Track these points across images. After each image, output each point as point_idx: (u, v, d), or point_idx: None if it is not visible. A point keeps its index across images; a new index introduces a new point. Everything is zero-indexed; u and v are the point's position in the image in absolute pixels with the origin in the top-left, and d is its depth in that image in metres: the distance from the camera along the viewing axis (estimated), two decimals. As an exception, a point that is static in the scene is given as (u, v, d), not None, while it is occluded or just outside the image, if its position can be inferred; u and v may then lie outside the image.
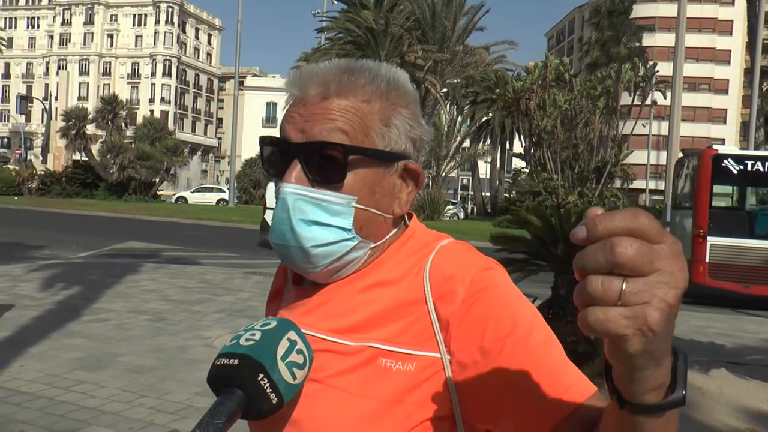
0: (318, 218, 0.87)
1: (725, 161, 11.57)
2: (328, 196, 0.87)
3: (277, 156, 0.92)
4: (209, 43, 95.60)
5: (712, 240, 11.16)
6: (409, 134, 0.92)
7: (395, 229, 0.95)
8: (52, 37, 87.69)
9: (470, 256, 0.91)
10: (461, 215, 41.75)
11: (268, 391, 0.78)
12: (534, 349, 0.82)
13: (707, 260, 11.13)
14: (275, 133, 0.96)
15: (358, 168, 0.88)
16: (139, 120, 53.28)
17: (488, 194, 52.56)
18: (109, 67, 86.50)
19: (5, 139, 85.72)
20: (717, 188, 11.84)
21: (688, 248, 11.55)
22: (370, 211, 0.90)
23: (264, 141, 0.94)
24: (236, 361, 0.78)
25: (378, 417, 0.84)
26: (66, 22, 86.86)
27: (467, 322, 0.84)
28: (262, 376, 0.77)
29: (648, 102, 35.13)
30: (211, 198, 43.21)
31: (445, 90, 37.52)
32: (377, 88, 0.90)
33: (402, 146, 0.91)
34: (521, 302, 0.86)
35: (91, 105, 61.89)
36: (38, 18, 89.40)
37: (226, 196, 42.35)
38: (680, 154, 13.66)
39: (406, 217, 0.98)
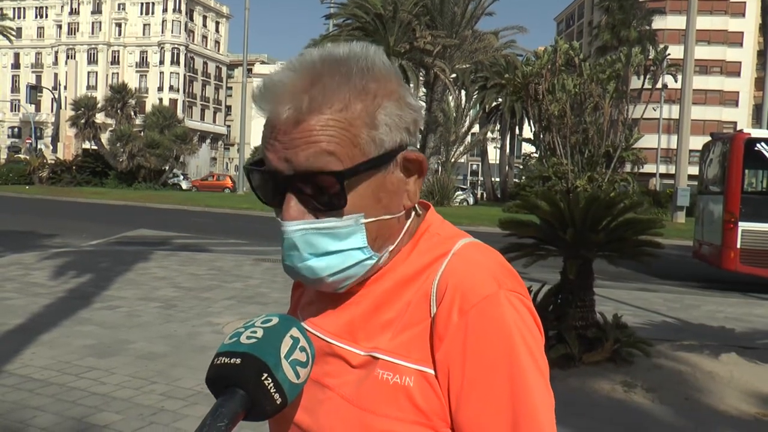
0: (329, 247, 0.82)
1: (758, 145, 11.36)
2: (334, 223, 0.81)
3: (267, 185, 0.85)
4: (217, 30, 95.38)
5: (743, 225, 10.98)
6: (400, 124, 0.84)
7: (409, 221, 0.90)
8: (60, 26, 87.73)
9: (485, 269, 0.83)
10: (470, 200, 41.43)
11: (272, 391, 0.75)
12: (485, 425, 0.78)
13: (738, 246, 10.97)
14: None
15: (357, 185, 0.81)
16: (148, 108, 53.40)
17: (498, 179, 52.42)
18: (118, 56, 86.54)
19: (16, 129, 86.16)
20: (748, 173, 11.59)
21: (717, 234, 11.42)
22: (381, 219, 0.84)
23: (249, 171, 0.86)
24: (238, 360, 0.75)
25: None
26: (74, 12, 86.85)
27: (446, 352, 0.80)
28: (266, 375, 0.74)
29: (659, 85, 34.81)
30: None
31: (454, 75, 37.31)
32: (353, 88, 0.80)
33: (396, 140, 0.83)
34: (513, 359, 0.78)
35: (100, 94, 62.03)
36: (46, 7, 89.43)
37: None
38: (707, 138, 13.42)
39: (417, 206, 0.91)
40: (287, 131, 0.80)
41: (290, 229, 0.81)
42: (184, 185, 45.30)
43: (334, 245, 0.82)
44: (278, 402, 0.75)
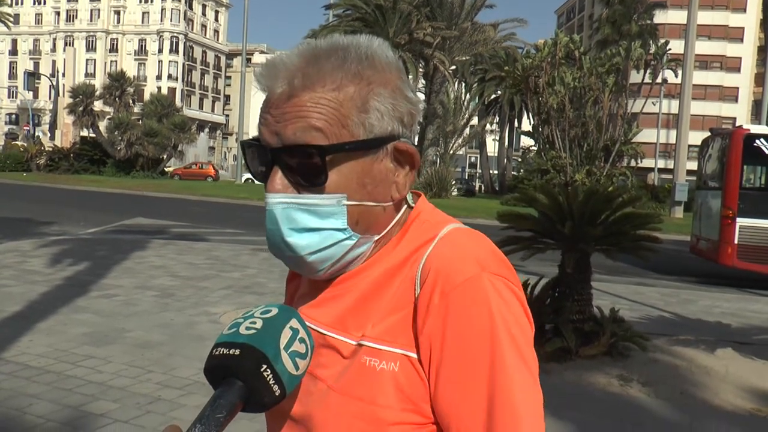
0: (309, 224, 0.83)
1: (757, 141, 11.37)
2: (315, 200, 0.82)
3: (257, 159, 0.87)
4: (216, 19, 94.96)
5: (741, 221, 11.02)
6: (394, 114, 0.84)
7: (399, 214, 0.90)
8: (58, 13, 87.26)
9: (468, 250, 0.83)
10: (454, 191, 39.40)
11: (270, 382, 0.74)
12: (460, 406, 0.78)
13: (736, 242, 11.00)
14: None
15: (341, 164, 0.82)
16: (147, 97, 53.20)
17: (496, 172, 52.39)
18: (116, 44, 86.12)
19: (13, 116, 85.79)
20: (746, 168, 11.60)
21: (715, 229, 11.43)
22: (364, 204, 0.84)
23: (244, 145, 0.88)
24: (237, 351, 0.74)
25: (366, 420, 0.80)
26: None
27: (427, 334, 0.80)
28: (265, 366, 0.74)
29: (658, 80, 34.79)
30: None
31: (453, 67, 37.25)
32: (347, 71, 0.82)
33: (387, 128, 0.84)
34: (492, 341, 0.78)
35: (98, 82, 61.65)
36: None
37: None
38: (707, 133, 13.42)
39: (410, 198, 0.91)
40: (279, 105, 0.82)
41: (272, 201, 0.83)
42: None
43: (313, 222, 0.83)
44: (277, 393, 0.75)
